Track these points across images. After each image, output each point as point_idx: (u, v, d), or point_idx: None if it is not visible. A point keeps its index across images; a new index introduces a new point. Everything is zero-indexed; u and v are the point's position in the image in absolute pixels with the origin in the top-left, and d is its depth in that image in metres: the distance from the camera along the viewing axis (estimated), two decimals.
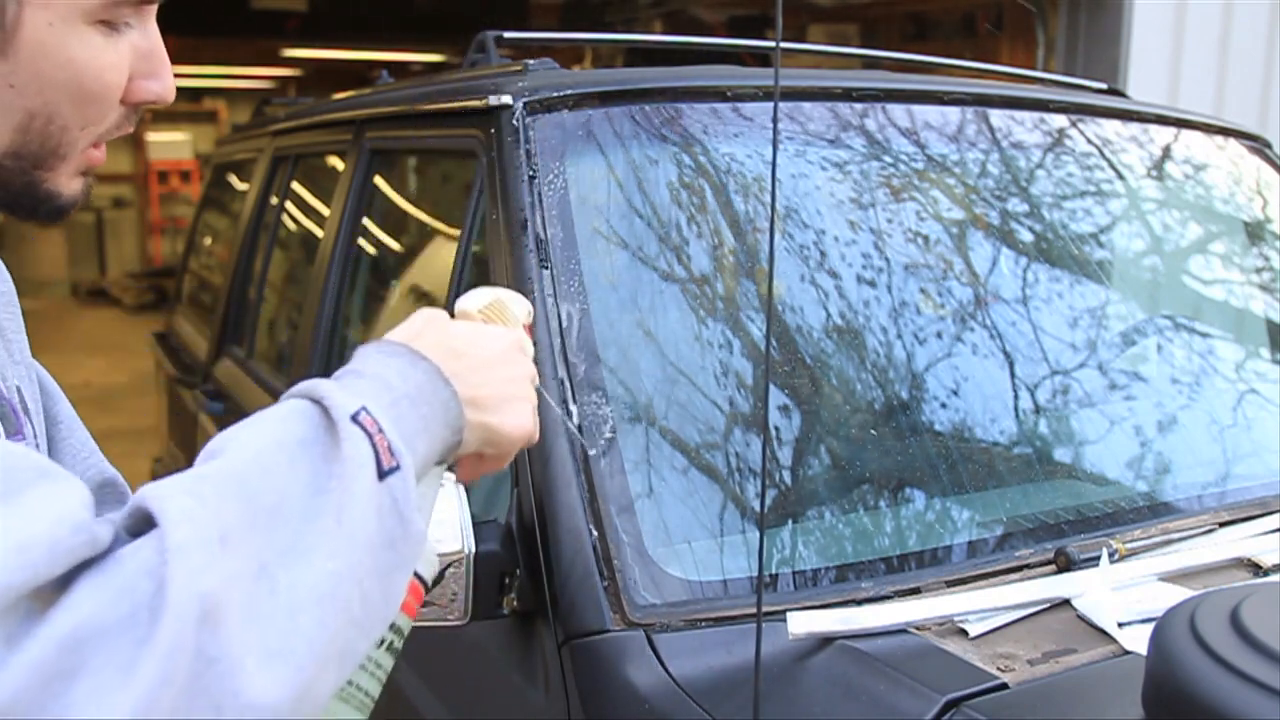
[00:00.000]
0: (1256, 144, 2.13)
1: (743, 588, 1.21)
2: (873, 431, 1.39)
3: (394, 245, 2.30)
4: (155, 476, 3.02)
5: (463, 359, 0.80)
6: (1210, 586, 1.20)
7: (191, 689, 0.57)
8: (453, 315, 0.88)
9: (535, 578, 1.23)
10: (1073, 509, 1.40)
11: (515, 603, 1.24)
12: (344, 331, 2.24)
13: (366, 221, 2.26)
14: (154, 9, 0.84)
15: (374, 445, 0.69)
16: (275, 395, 2.41)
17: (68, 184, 0.83)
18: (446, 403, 0.77)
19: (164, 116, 13.64)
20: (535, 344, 1.18)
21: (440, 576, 1.16)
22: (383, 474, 0.69)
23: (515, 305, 0.92)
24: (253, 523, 0.64)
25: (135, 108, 0.84)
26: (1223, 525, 1.40)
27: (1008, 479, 1.42)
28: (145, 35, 0.82)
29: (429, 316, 0.84)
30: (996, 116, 1.81)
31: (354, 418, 0.70)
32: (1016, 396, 1.47)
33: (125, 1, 0.80)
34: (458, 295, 1.67)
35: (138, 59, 0.82)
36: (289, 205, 2.93)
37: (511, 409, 0.83)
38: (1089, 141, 1.88)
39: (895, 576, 1.25)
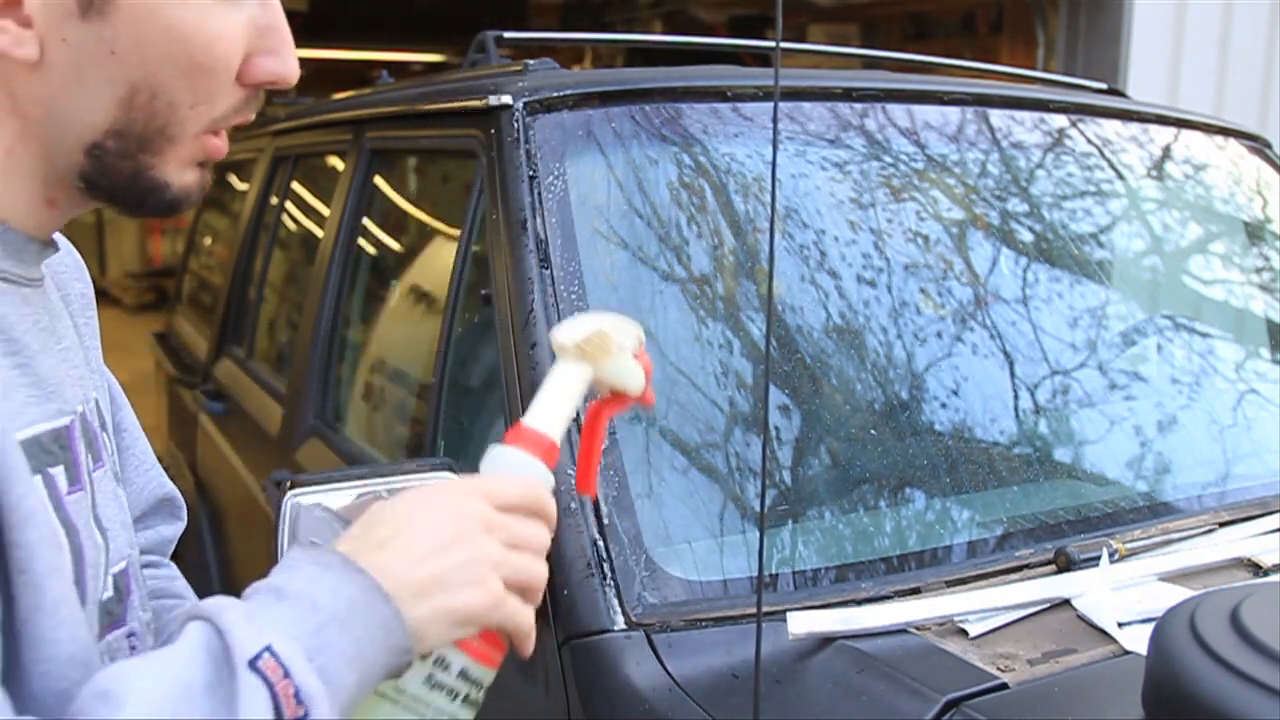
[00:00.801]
0: (1256, 144, 2.13)
1: (743, 588, 1.21)
2: (873, 431, 1.39)
3: (394, 245, 2.30)
4: None
5: (391, 547, 0.69)
6: (1210, 586, 1.20)
7: None
8: (549, 346, 0.78)
9: None
10: (1073, 509, 1.40)
11: None
12: (344, 331, 2.24)
13: (366, 221, 2.26)
14: None
15: (274, 696, 0.60)
16: (275, 395, 2.42)
17: (178, 173, 0.74)
18: (387, 623, 0.66)
19: None
20: (535, 344, 1.14)
21: None
22: None
23: (621, 334, 0.81)
24: None
25: (255, 90, 0.75)
26: (1223, 525, 1.40)
27: (1008, 479, 1.42)
28: (265, 8, 0.74)
29: (378, 516, 0.72)
30: (996, 116, 1.81)
31: (253, 663, 0.61)
32: (1017, 396, 1.47)
33: None
34: (457, 295, 1.67)
35: (256, 34, 0.74)
36: (289, 205, 2.93)
37: (463, 591, 0.70)
38: (1089, 141, 1.88)
39: (895, 576, 1.25)
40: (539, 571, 0.75)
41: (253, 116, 0.77)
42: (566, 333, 0.82)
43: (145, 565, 0.96)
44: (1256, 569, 1.29)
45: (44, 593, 0.64)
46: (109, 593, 0.77)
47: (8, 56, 0.68)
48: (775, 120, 0.95)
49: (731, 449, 1.32)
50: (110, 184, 0.73)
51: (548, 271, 1.35)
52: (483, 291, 1.48)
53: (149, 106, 0.70)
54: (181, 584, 1.03)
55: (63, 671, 0.65)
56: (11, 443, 0.65)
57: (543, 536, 0.76)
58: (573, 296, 1.34)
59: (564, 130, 1.47)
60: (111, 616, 0.77)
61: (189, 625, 0.64)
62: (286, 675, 0.61)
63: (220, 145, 0.76)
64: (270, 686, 0.61)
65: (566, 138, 1.47)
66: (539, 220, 1.39)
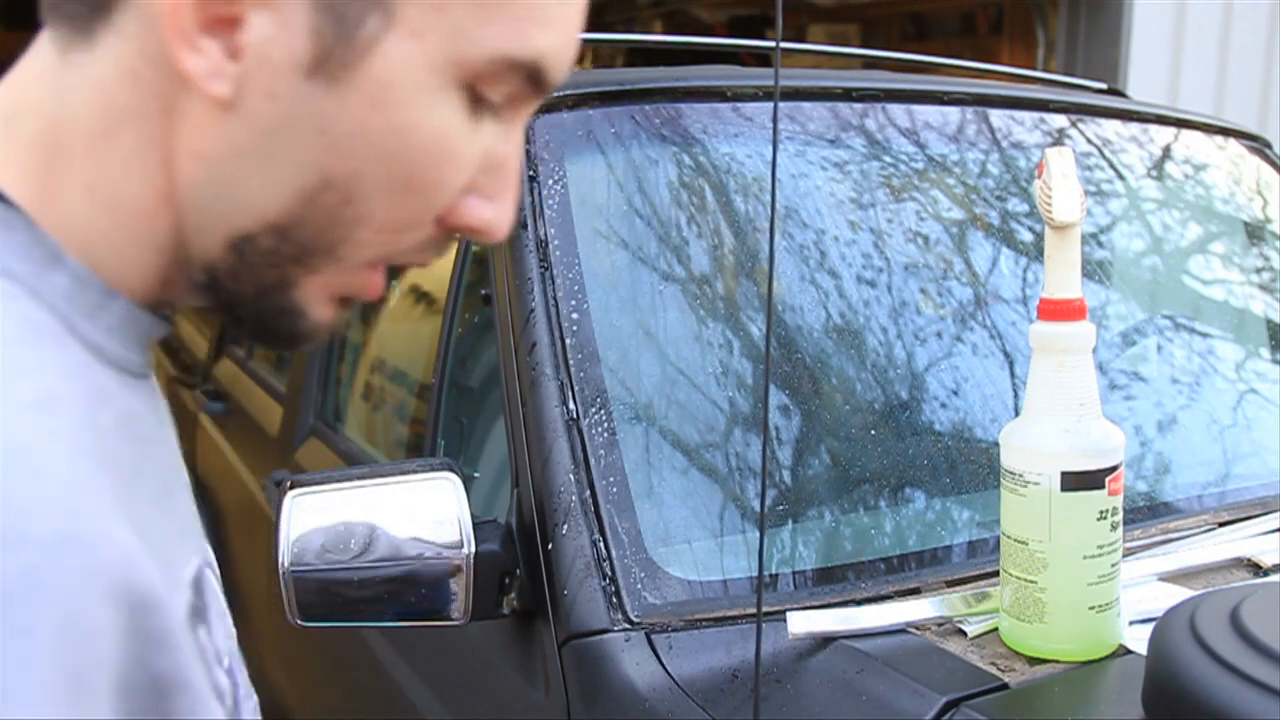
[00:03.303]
0: (1256, 144, 2.12)
1: (743, 588, 1.21)
2: (873, 431, 1.39)
3: None
4: None
5: None
6: (1210, 586, 1.20)
7: None
8: None
9: (535, 578, 1.23)
10: None
11: (515, 603, 1.24)
12: (344, 331, 2.24)
13: None
14: (532, 107, 0.59)
15: None
16: (275, 395, 2.42)
17: (319, 304, 0.58)
18: None
19: None
20: (535, 344, 1.16)
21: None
22: None
23: None
24: None
25: (450, 234, 0.59)
26: (1223, 525, 1.40)
27: None
28: (508, 140, 0.58)
29: None
30: (996, 116, 1.81)
31: None
32: (1017, 396, 1.47)
33: (525, 70, 0.54)
34: (457, 295, 1.67)
35: (484, 166, 0.57)
36: None
37: None
38: (1089, 141, 1.88)
39: (895, 576, 1.25)
40: None
41: (427, 264, 0.61)
42: None
43: None
44: (1256, 569, 1.28)
45: None
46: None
47: (193, 85, 0.51)
48: (775, 120, 0.95)
49: (731, 449, 1.32)
50: (237, 290, 0.56)
51: (548, 271, 1.35)
52: (483, 291, 1.48)
53: (333, 211, 0.54)
54: None
55: None
56: (181, 601, 0.53)
57: None
58: (573, 296, 1.34)
59: (564, 130, 1.47)
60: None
61: None
62: None
63: (378, 285, 0.59)
64: None
65: (566, 138, 1.47)
66: (539, 220, 1.39)
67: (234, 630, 0.67)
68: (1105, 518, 1.05)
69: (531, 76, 0.55)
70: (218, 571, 0.66)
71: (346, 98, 0.52)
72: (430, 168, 0.54)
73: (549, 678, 1.20)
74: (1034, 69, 4.58)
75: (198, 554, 0.60)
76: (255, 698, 0.68)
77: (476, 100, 0.54)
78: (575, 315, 1.33)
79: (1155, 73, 4.86)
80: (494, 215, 0.58)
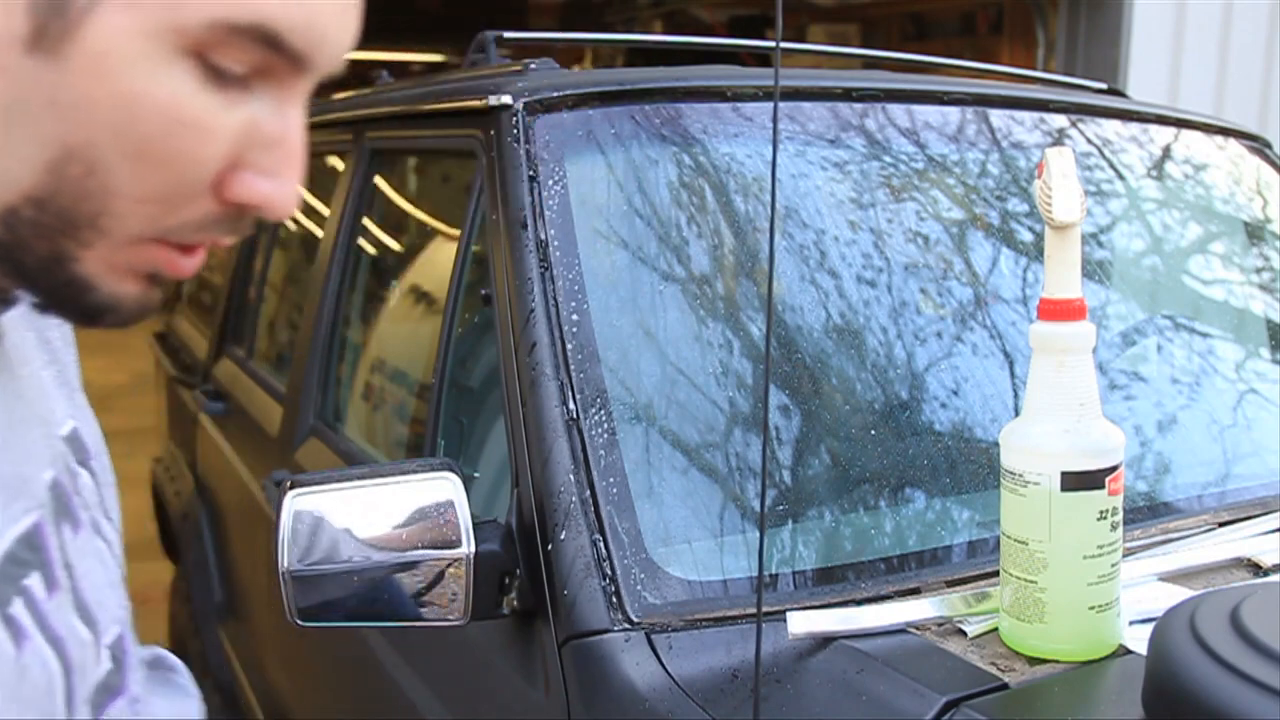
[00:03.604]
0: (1256, 144, 2.13)
1: (743, 588, 1.21)
2: (873, 431, 1.39)
3: (394, 245, 2.30)
4: (155, 476, 3.04)
5: None
6: (1210, 586, 1.20)
7: None
8: None
9: (535, 578, 1.23)
10: None
11: (515, 603, 1.24)
12: (344, 331, 2.24)
13: (366, 221, 2.26)
14: (307, 86, 0.59)
15: None
16: (275, 395, 2.42)
17: (111, 279, 0.58)
18: None
19: None
20: (535, 344, 1.17)
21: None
22: None
23: None
24: None
25: (239, 211, 0.59)
26: (1223, 525, 1.40)
27: None
28: (280, 116, 0.58)
29: None
30: (996, 116, 1.81)
31: None
32: (1017, 396, 1.47)
33: (254, 36, 0.54)
34: (457, 295, 1.67)
35: (256, 142, 0.58)
36: None
37: None
38: (1089, 141, 1.88)
39: (895, 576, 1.25)
40: None
41: (230, 241, 0.63)
42: None
43: None
44: (1256, 569, 1.28)
45: None
46: (107, 666, 0.70)
47: None
48: (775, 120, 0.95)
49: (731, 449, 1.32)
50: (21, 262, 0.57)
51: (548, 271, 1.35)
52: (483, 291, 1.48)
53: (80, 183, 0.55)
54: None
55: None
56: None
57: None
58: (573, 296, 1.34)
59: (564, 130, 1.47)
60: (110, 689, 0.71)
61: None
62: None
63: (181, 264, 0.60)
64: None
65: (566, 138, 1.47)
66: (539, 220, 1.39)
67: (105, 551, 0.72)
68: (1105, 518, 1.05)
69: (270, 44, 0.55)
70: (73, 482, 0.68)
71: (67, 69, 0.53)
72: (165, 138, 0.55)
73: (549, 678, 1.20)
74: (1034, 69, 4.58)
75: (29, 512, 0.62)
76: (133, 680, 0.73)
77: (213, 71, 0.55)
78: (575, 315, 1.33)
79: (1155, 73, 4.86)
80: (272, 191, 0.59)
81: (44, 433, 0.67)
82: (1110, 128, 1.93)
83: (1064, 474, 1.04)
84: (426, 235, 2.15)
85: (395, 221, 2.30)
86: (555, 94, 1.49)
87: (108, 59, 0.53)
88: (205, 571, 2.88)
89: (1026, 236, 1.68)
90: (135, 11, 0.53)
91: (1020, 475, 1.06)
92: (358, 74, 1.88)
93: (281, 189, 0.59)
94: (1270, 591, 0.91)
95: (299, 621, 1.19)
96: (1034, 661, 1.07)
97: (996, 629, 1.12)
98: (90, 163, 0.54)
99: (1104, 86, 2.24)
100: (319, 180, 2.65)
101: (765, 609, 1.14)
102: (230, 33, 0.54)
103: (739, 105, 1.58)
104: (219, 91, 0.55)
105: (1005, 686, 1.02)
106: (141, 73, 0.53)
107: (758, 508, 1.25)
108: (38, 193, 0.55)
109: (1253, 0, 5.04)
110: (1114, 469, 1.05)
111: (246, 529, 2.53)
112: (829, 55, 2.63)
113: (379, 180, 2.24)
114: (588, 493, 1.22)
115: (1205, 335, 1.77)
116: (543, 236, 1.37)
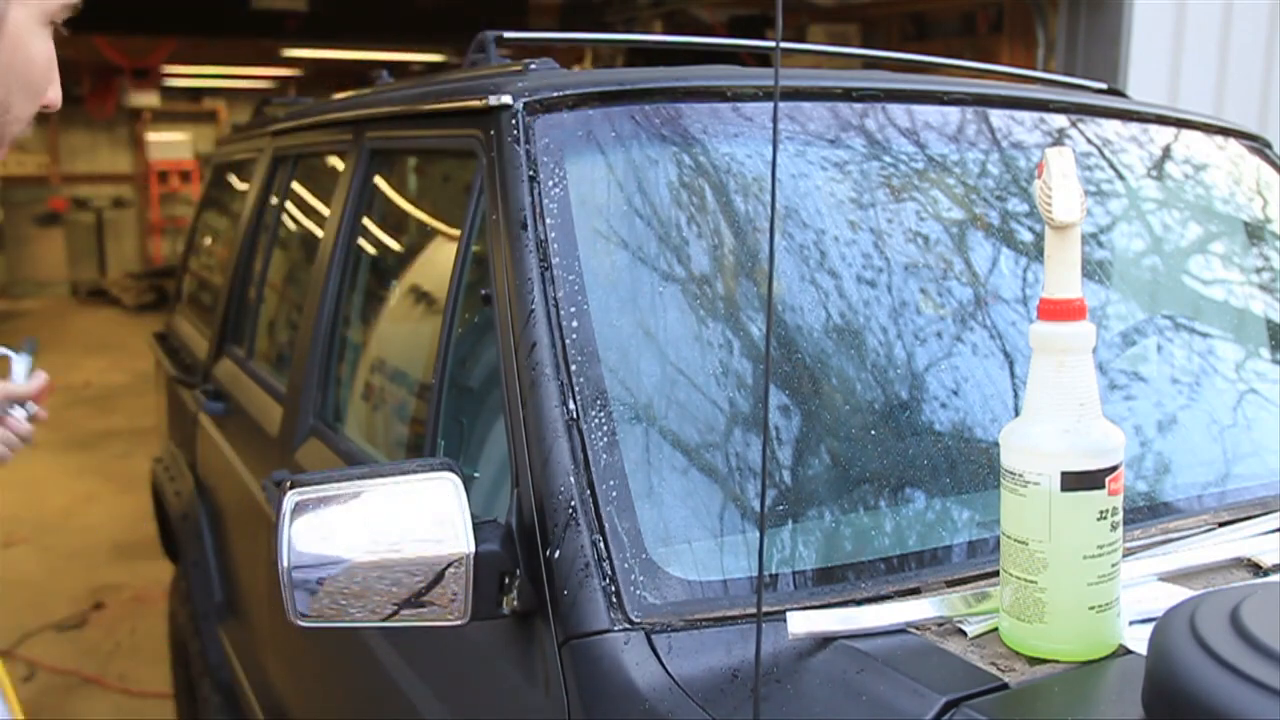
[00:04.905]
0: (1256, 144, 2.13)
1: (743, 588, 1.21)
2: (873, 431, 1.39)
3: (394, 245, 2.30)
4: (155, 476, 3.04)
5: None
6: (1210, 586, 1.20)
7: None
8: None
9: (535, 578, 1.23)
10: None
11: (515, 603, 1.24)
12: (344, 331, 2.24)
13: (366, 222, 2.26)
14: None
15: None
16: (275, 395, 2.42)
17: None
18: None
19: (164, 117, 13.66)
20: (535, 344, 1.18)
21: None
22: None
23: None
24: None
25: (41, 108, 1.00)
26: (1223, 525, 1.40)
27: None
28: (50, 43, 0.98)
29: None
30: (996, 116, 1.81)
31: None
32: (1017, 396, 1.47)
33: (70, 8, 0.96)
34: (457, 295, 1.68)
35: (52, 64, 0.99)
36: (289, 205, 2.93)
37: None
38: (1089, 141, 1.88)
39: (895, 576, 1.25)
40: None
41: (27, 133, 1.03)
42: None
43: None
44: (1256, 569, 1.29)
45: None
46: None
47: None
48: (775, 120, 0.95)
49: (731, 449, 1.32)
50: None
51: (548, 272, 1.35)
52: (483, 291, 1.48)
53: (2, 116, 0.95)
54: None
55: None
56: None
57: None
58: (573, 296, 1.34)
59: (564, 130, 1.47)
60: None
61: None
62: None
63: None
64: None
65: (566, 138, 1.47)
66: (539, 220, 1.39)
67: None
68: (1105, 518, 1.05)
69: (73, 9, 0.98)
70: None
71: (1, 50, 0.93)
72: (42, 75, 0.97)
73: (549, 678, 1.20)
74: (1034, 69, 4.58)
75: None
76: None
77: (53, 30, 0.96)
78: (575, 315, 1.33)
79: (1155, 73, 4.86)
80: (56, 94, 1.01)
81: None
82: (1110, 128, 1.93)
83: (1064, 474, 1.04)
84: (426, 235, 2.15)
85: (395, 222, 2.30)
86: (555, 94, 1.49)
87: (19, 38, 0.92)
88: (205, 571, 2.88)
89: (1026, 236, 1.68)
90: (29, 8, 0.93)
91: (1020, 475, 1.06)
92: (358, 74, 1.88)
93: (58, 90, 1.01)
94: (1270, 591, 0.91)
95: (299, 622, 1.19)
96: (1034, 661, 1.07)
97: (996, 629, 1.12)
98: (6, 105, 0.95)
99: (1104, 86, 2.24)
100: (319, 180, 2.65)
101: (765, 609, 1.14)
102: (66, 7, 0.97)
103: (739, 105, 1.58)
104: (47, 35, 0.96)
105: (1005, 686, 1.02)
106: (35, 41, 0.94)
107: (758, 508, 1.25)
108: None
109: (1253, 0, 5.03)
110: (1114, 469, 1.05)
111: (246, 529, 2.53)
112: (829, 55, 2.63)
113: (379, 180, 2.24)
114: (588, 493, 1.22)
115: (1205, 335, 1.77)
116: (543, 236, 1.37)
